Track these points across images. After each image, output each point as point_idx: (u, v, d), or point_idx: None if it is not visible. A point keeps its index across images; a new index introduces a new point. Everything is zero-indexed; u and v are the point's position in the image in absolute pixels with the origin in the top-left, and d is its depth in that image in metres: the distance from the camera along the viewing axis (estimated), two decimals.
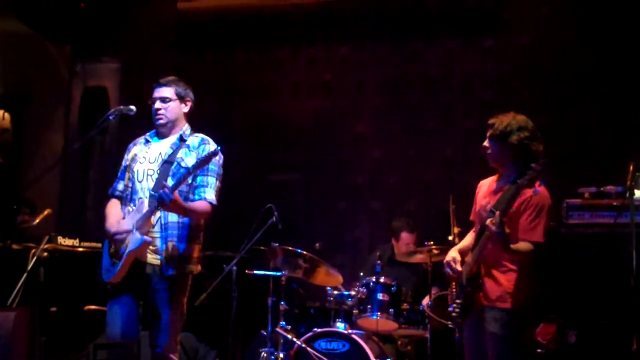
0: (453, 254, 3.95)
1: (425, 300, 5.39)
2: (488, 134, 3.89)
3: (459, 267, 3.87)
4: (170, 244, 3.89)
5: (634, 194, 4.48)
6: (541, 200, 3.73)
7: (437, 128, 6.89)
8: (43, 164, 7.07)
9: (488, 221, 3.61)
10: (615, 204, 5.00)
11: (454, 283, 3.96)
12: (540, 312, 5.15)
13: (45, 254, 5.24)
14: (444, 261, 3.96)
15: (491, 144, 3.88)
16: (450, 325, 4.69)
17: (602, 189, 5.18)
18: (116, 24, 7.46)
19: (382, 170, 6.97)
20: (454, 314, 3.88)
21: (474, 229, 4.06)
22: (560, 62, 6.58)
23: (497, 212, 3.57)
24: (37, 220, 5.80)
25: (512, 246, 3.67)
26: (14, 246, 5.46)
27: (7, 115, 7.23)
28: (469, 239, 4.08)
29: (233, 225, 6.63)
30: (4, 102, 7.27)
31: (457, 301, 3.86)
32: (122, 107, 4.12)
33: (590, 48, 6.46)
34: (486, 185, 4.04)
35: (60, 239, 5.57)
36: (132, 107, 4.05)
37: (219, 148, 3.80)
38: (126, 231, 3.83)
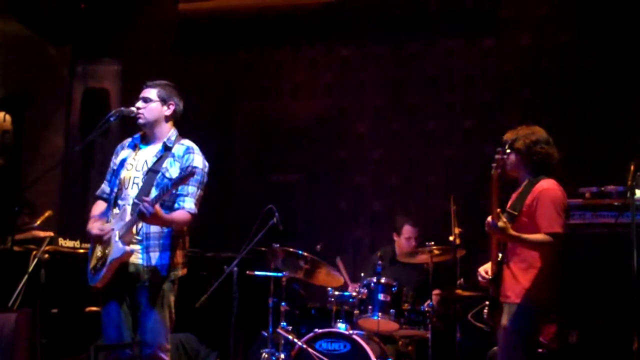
0: (487, 265, 4.09)
1: (428, 302, 5.38)
2: (505, 148, 4.04)
3: (486, 275, 4.03)
4: (152, 254, 3.91)
5: (635, 193, 4.46)
6: (549, 193, 3.91)
7: (437, 128, 6.89)
8: (44, 166, 7.05)
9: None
10: (616, 204, 4.99)
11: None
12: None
13: (46, 255, 5.24)
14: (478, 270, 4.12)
15: (506, 157, 4.03)
16: (486, 329, 4.77)
17: (603, 188, 5.17)
18: (117, 25, 7.45)
19: (382, 171, 6.97)
20: (485, 317, 4.06)
21: None
22: (560, 61, 6.58)
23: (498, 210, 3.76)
24: (38, 222, 5.79)
25: (522, 236, 3.82)
26: (15, 248, 5.45)
27: (7, 116, 7.22)
28: None
29: (234, 226, 6.64)
30: (5, 104, 7.26)
31: (486, 303, 4.03)
32: (123, 108, 4.14)
33: (590, 48, 6.46)
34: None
35: (61, 241, 5.56)
36: (133, 108, 4.07)
37: (198, 168, 3.90)
38: (108, 231, 3.86)
